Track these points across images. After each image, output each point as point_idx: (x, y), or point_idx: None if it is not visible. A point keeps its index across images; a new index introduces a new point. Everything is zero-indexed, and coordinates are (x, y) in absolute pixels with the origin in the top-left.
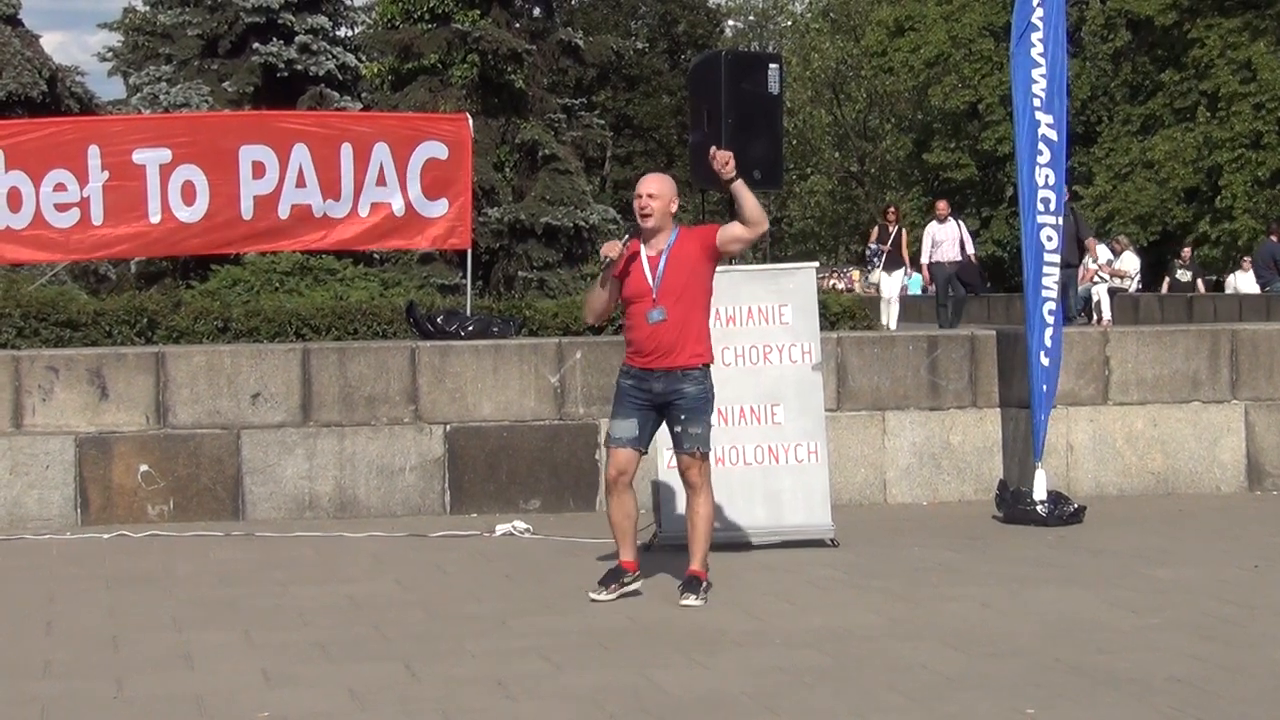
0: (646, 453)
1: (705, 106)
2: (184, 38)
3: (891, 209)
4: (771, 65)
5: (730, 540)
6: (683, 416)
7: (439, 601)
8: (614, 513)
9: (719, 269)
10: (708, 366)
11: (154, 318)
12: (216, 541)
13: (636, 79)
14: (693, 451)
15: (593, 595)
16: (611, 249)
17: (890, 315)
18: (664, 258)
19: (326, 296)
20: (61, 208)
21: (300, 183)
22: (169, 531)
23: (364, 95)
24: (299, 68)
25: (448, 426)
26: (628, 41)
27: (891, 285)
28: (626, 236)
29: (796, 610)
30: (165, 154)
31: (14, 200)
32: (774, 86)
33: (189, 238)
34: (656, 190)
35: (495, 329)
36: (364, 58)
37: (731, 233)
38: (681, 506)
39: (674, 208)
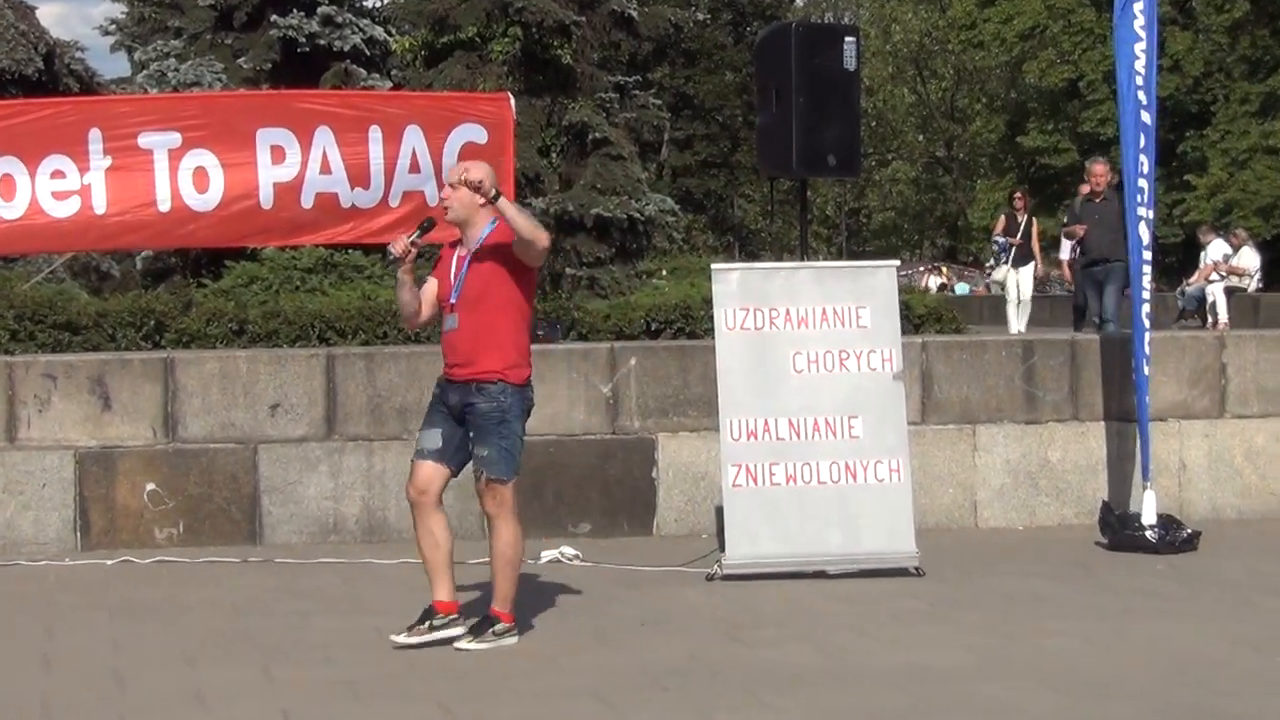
0: (457, 473)
1: (773, 84)
2: (195, 9)
3: (1019, 194)
4: (847, 38)
5: (802, 568)
6: (472, 434)
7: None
8: (421, 541)
9: (788, 265)
10: (507, 384)
11: (162, 319)
12: (231, 568)
13: (697, 54)
14: (479, 475)
15: (393, 638)
16: (396, 244)
17: (1021, 319)
18: (469, 259)
19: (353, 296)
20: (60, 196)
21: (325, 169)
22: (179, 557)
23: (394, 73)
24: (322, 42)
25: None
26: (687, 12)
27: (1023, 284)
28: (419, 230)
29: (876, 646)
30: (174, 138)
31: (6, 188)
32: (850, 62)
33: (201, 229)
34: (457, 179)
35: (540, 332)
36: (394, 31)
37: (515, 245)
38: (754, 531)
39: (483, 200)
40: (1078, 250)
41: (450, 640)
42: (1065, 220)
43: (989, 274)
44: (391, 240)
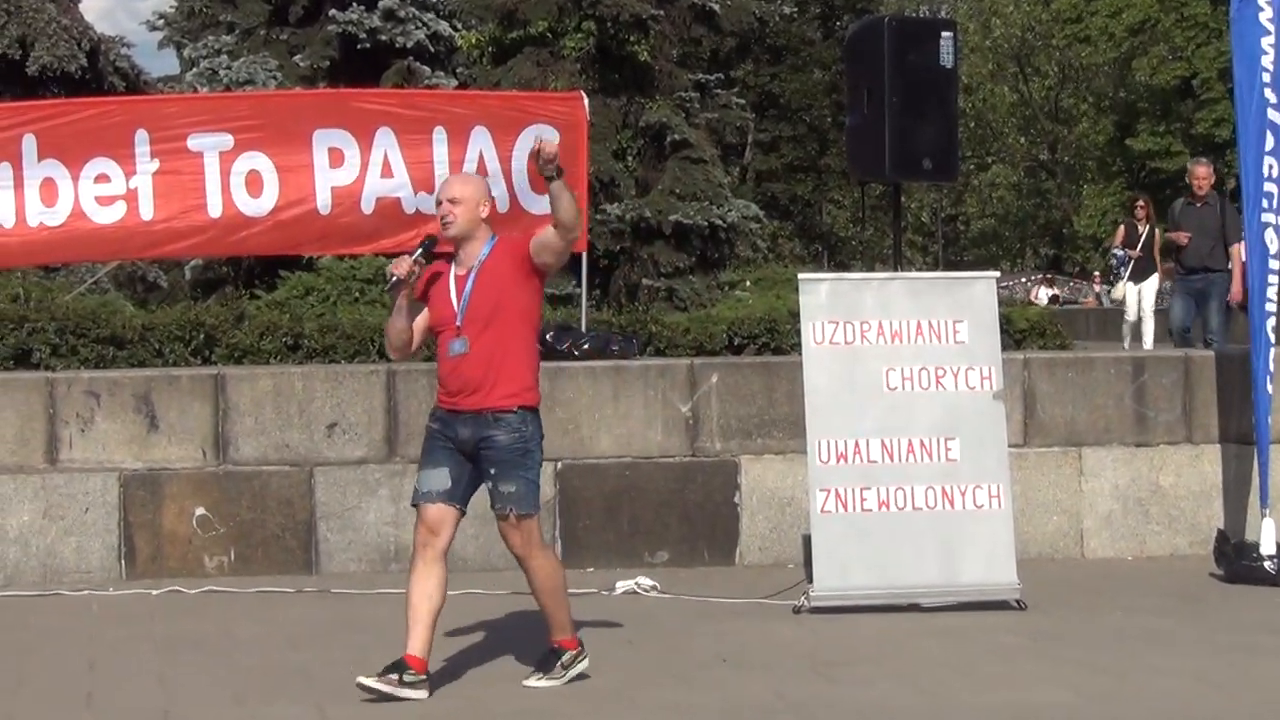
0: (465, 512)
1: (865, 83)
2: (248, 3)
3: (1142, 202)
4: (944, 34)
5: (896, 600)
6: (492, 471)
7: None
8: (412, 589)
9: (881, 275)
10: (527, 410)
11: (212, 333)
12: (285, 599)
13: (783, 50)
14: (504, 513)
15: (360, 678)
16: (399, 266)
17: (1145, 336)
18: (473, 276)
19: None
20: (104, 201)
21: (386, 173)
22: (229, 587)
23: (460, 70)
24: (383, 38)
25: (559, 464)
26: (773, 6)
27: (1145, 300)
28: (419, 249)
29: (975, 684)
30: (226, 139)
31: (48, 193)
32: (947, 59)
33: (254, 236)
34: (459, 193)
35: (615, 348)
36: (460, 26)
37: (544, 240)
38: (844, 560)
39: (484, 212)
40: (1175, 260)
41: (414, 701)
42: (1165, 227)
43: (1106, 288)
44: (393, 264)
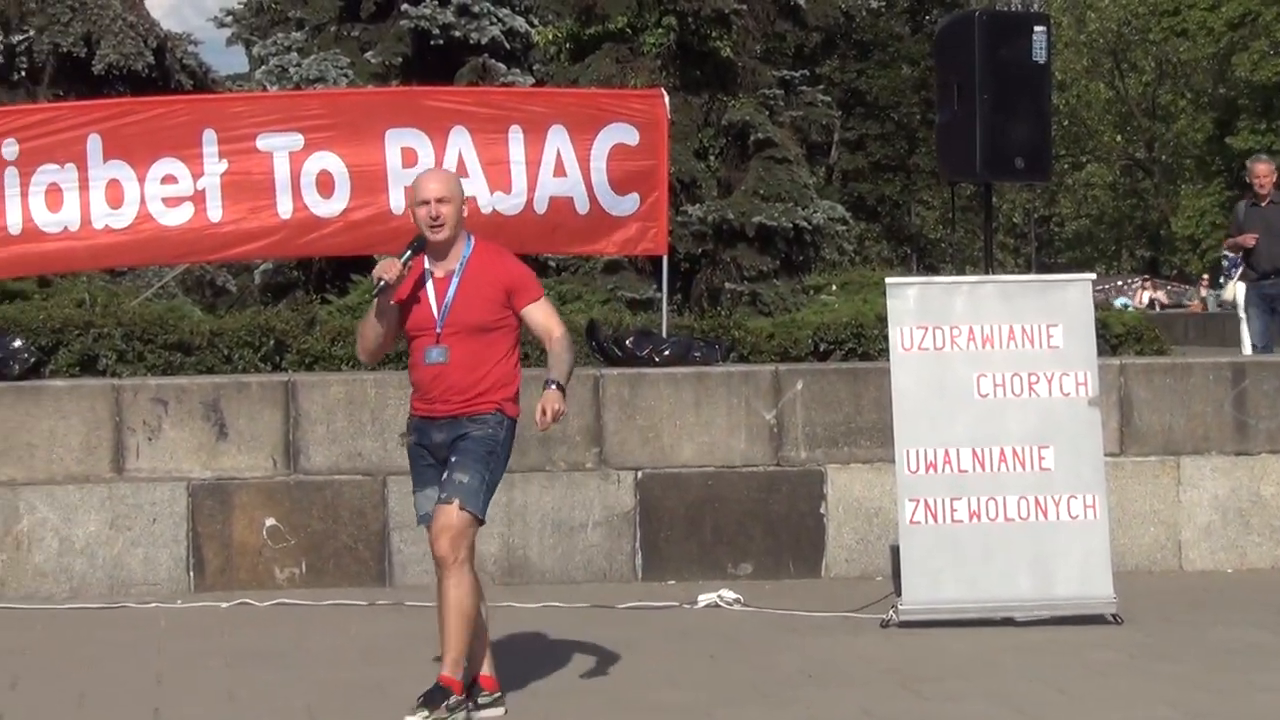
0: (483, 521)
1: (955, 79)
2: None
3: None
4: (1037, 28)
5: (987, 614)
6: (454, 458)
7: (628, 687)
8: (441, 601)
9: (971, 279)
10: (505, 416)
11: (282, 339)
12: (358, 612)
13: (870, 46)
14: (448, 500)
15: (408, 718)
16: (388, 270)
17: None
18: (455, 280)
19: None
20: (171, 203)
21: (460, 172)
22: (300, 599)
23: (536, 67)
24: (457, 34)
25: (639, 473)
26: (859, 0)
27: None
28: (409, 252)
29: (1070, 702)
30: (296, 139)
31: (114, 195)
32: (1040, 54)
33: (325, 237)
34: (446, 192)
35: (697, 353)
36: (536, 22)
37: (533, 328)
38: (934, 572)
39: (465, 211)
40: (1241, 264)
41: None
42: (1229, 230)
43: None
44: (379, 267)
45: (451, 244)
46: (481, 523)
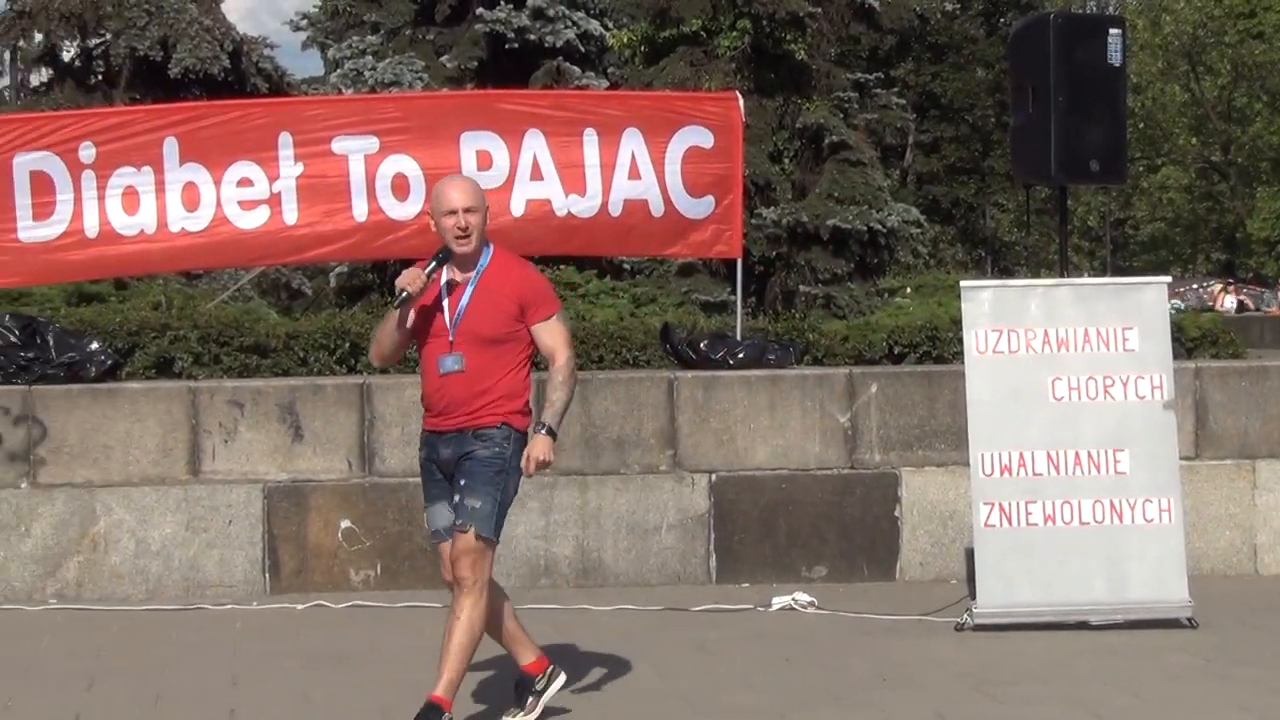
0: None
1: (1030, 82)
2: (394, 2)
3: None
4: (1112, 31)
5: (1062, 618)
6: (462, 482)
7: (702, 690)
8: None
9: (1046, 282)
10: (512, 429)
11: (358, 341)
12: (434, 614)
13: (945, 48)
14: (464, 528)
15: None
16: (412, 281)
17: None
18: (469, 289)
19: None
20: (247, 206)
21: (535, 175)
22: (376, 601)
23: (611, 70)
24: (532, 38)
25: (713, 476)
26: (934, 2)
27: None
28: (433, 263)
29: (1145, 706)
30: (372, 142)
31: (190, 198)
32: (1115, 57)
33: (400, 240)
34: (473, 201)
35: (771, 356)
36: (611, 25)
37: (541, 347)
38: (1009, 576)
39: (488, 218)
40: None
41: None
42: None
43: None
44: (403, 277)
45: (475, 254)
46: (496, 543)
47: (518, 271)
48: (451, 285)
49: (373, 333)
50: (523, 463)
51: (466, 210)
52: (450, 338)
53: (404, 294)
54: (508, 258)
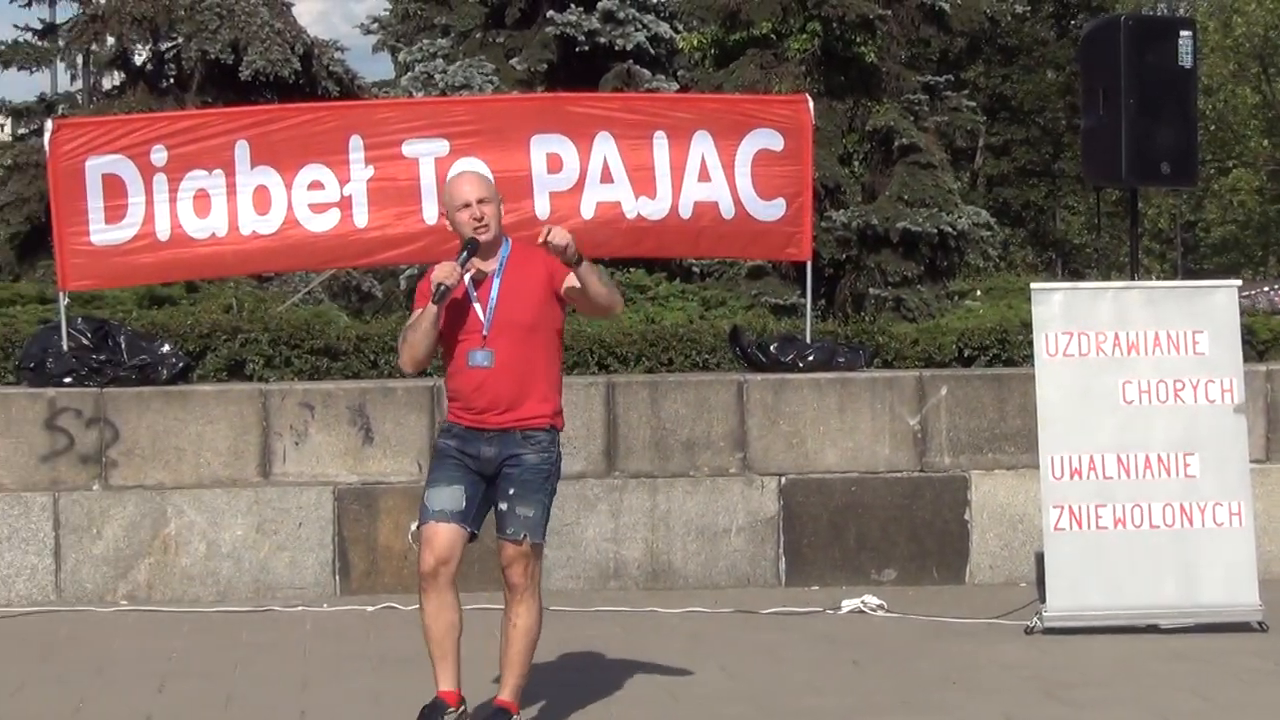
0: (477, 536)
1: (1100, 84)
2: (464, 5)
3: None
4: (1183, 32)
5: (1132, 621)
6: (512, 490)
7: (772, 693)
8: (430, 620)
9: (1116, 285)
10: (557, 432)
11: None
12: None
13: (1015, 50)
14: (518, 537)
15: None
16: (449, 274)
17: None
18: (497, 280)
19: (635, 319)
20: (317, 209)
21: (606, 177)
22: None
23: (681, 73)
24: (602, 40)
25: (783, 479)
26: (1005, 4)
27: None
28: (464, 253)
29: (1215, 710)
30: (442, 145)
31: (261, 201)
32: (1186, 59)
33: None
34: (485, 192)
35: (841, 359)
36: (681, 27)
37: (574, 296)
38: (1078, 579)
39: (503, 209)
40: None
41: None
42: None
43: None
44: (437, 270)
45: (495, 245)
46: (544, 545)
47: (538, 252)
48: (478, 279)
49: (401, 338)
50: (546, 236)
51: (480, 201)
52: (485, 331)
53: (442, 288)
54: (528, 245)
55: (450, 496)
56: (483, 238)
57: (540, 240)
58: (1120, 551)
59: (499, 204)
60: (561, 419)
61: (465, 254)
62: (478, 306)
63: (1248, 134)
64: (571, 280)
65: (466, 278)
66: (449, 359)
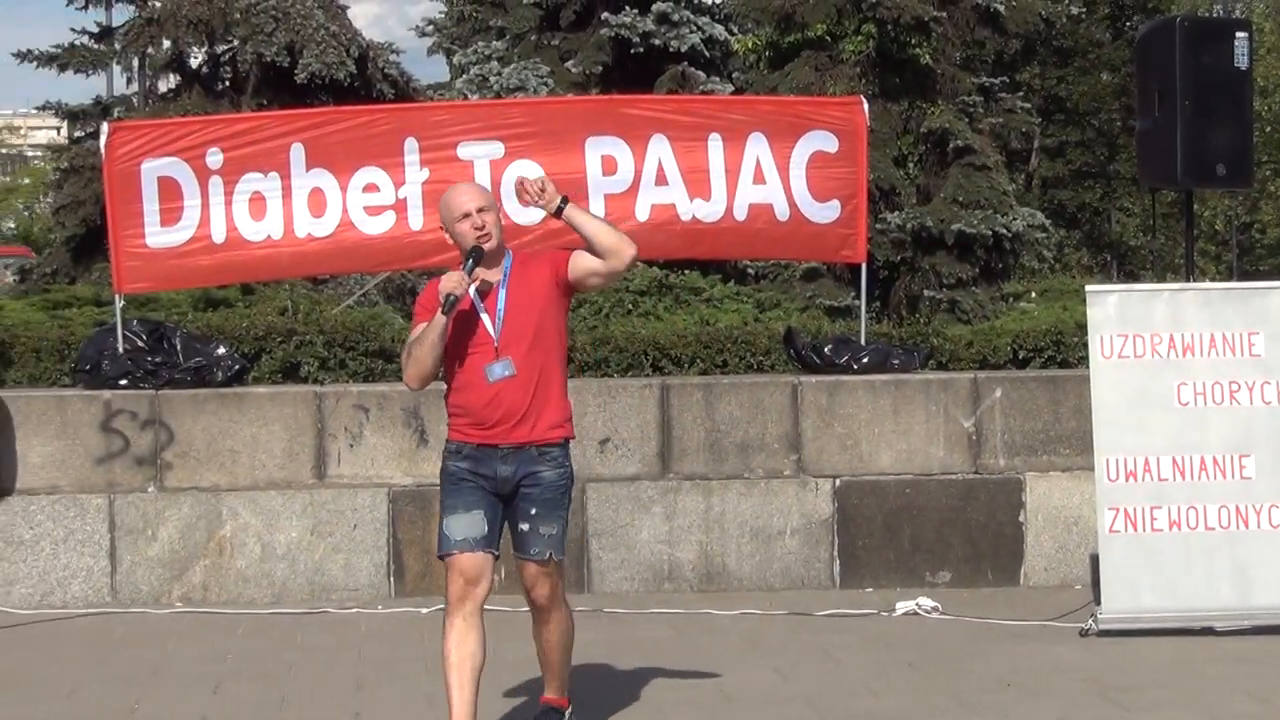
0: (499, 557)
1: (1156, 85)
2: (519, 7)
3: None
4: (1239, 34)
5: (1187, 624)
6: (533, 510)
7: (827, 695)
8: (452, 646)
9: (1172, 286)
10: (569, 442)
11: None
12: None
13: (1070, 52)
14: (543, 557)
15: None
16: (457, 284)
17: None
18: (503, 291)
19: (690, 321)
20: (373, 211)
21: (660, 180)
22: (499, 605)
23: (735, 75)
24: (657, 42)
25: (837, 481)
26: (1060, 6)
27: None
28: (469, 261)
29: (1271, 712)
30: (497, 148)
31: (316, 203)
32: (1241, 60)
33: (525, 246)
34: (484, 201)
35: (896, 361)
36: (735, 29)
37: (586, 265)
38: (1133, 582)
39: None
40: None
41: None
42: None
43: None
44: (444, 280)
45: (498, 255)
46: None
47: (540, 260)
48: (483, 290)
49: (405, 353)
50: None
51: (480, 210)
52: (496, 343)
53: (451, 298)
54: (527, 254)
55: (472, 523)
56: (486, 246)
57: (517, 188)
58: (1175, 554)
59: (498, 213)
60: (572, 426)
61: (470, 263)
62: (485, 318)
63: None
64: (577, 260)
65: (472, 289)
66: (453, 374)
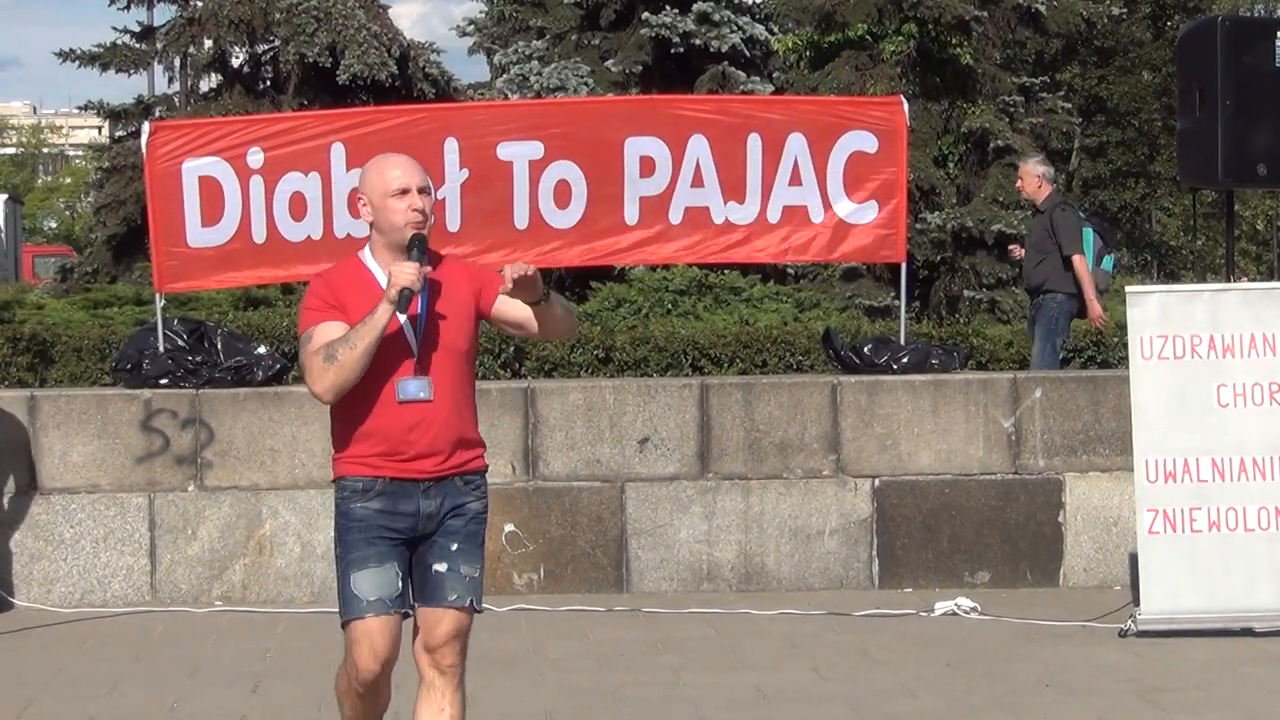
0: (411, 615)
1: (1197, 85)
2: (559, 7)
3: None
4: None
5: (1227, 625)
6: (454, 546)
7: (866, 695)
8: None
9: (1212, 287)
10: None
11: (521, 346)
12: (595, 618)
13: (1111, 52)
14: (464, 603)
15: None
16: (413, 277)
17: None
18: (423, 296)
19: (729, 321)
20: None
21: (697, 181)
22: (538, 605)
23: (775, 75)
24: (697, 42)
25: (876, 481)
26: (1100, 6)
27: None
28: (416, 253)
29: None
30: (536, 148)
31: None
32: None
33: (561, 249)
34: (425, 182)
35: (935, 361)
36: (776, 29)
37: (513, 315)
38: (1173, 582)
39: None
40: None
41: None
42: None
43: None
44: (398, 273)
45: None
46: None
47: (460, 262)
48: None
49: (323, 358)
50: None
51: (421, 190)
52: (415, 355)
53: (407, 293)
54: (447, 255)
55: (383, 581)
56: (423, 230)
57: (503, 287)
58: (1215, 555)
59: (537, 285)
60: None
61: (416, 253)
62: (405, 326)
63: None
64: (503, 303)
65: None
66: (361, 394)
